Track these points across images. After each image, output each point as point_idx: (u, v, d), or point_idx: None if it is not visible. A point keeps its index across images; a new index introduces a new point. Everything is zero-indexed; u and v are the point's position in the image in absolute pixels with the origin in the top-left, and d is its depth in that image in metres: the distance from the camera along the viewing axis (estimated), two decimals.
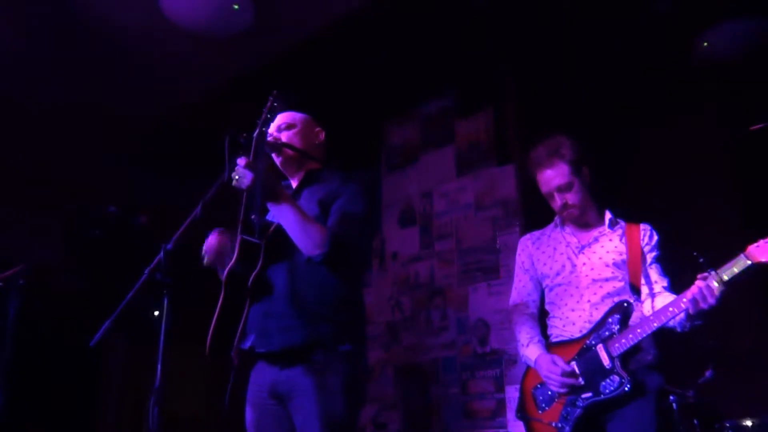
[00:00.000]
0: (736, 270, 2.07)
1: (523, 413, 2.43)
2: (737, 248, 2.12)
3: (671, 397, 3.20)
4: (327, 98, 4.15)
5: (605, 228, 2.49)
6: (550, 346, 2.45)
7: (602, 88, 4.35)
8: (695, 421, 3.22)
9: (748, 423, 3.11)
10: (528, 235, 2.72)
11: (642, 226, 2.46)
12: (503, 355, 4.23)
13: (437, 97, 5.15)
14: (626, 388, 2.17)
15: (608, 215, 2.51)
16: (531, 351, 2.43)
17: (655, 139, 4.46)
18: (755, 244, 2.07)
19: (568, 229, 2.56)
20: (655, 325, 2.18)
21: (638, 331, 2.20)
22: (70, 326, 5.85)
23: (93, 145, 5.50)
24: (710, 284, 2.08)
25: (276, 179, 2.16)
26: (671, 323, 2.24)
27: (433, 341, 4.65)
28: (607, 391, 2.20)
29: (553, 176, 2.45)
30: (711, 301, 2.06)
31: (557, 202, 2.49)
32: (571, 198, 2.46)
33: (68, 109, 5.08)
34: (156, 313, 4.65)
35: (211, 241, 2.25)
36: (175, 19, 4.08)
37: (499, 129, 4.72)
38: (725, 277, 2.08)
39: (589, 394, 2.24)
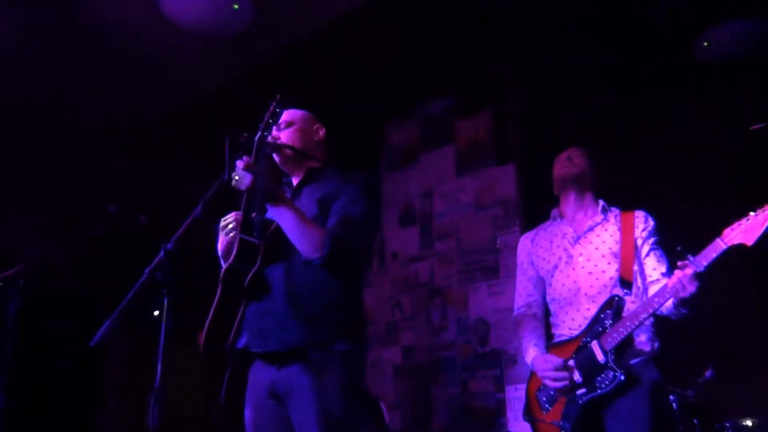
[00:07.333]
0: (713, 255, 2.06)
1: (529, 415, 2.47)
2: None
3: (671, 397, 3.20)
4: (327, 98, 4.15)
5: (599, 216, 2.51)
6: (550, 346, 2.47)
7: (602, 87, 4.35)
8: (695, 421, 3.22)
9: (748, 423, 3.11)
10: (527, 234, 2.75)
11: (636, 213, 2.46)
12: (503, 355, 4.23)
13: (437, 97, 5.15)
14: (620, 379, 2.18)
15: (601, 203, 2.54)
16: (529, 354, 2.48)
17: (654, 139, 4.46)
18: (730, 227, 2.07)
19: (564, 221, 2.58)
20: (643, 316, 2.18)
21: (627, 323, 2.20)
22: (70, 326, 5.85)
23: (93, 144, 5.50)
24: (687, 272, 2.06)
25: (275, 181, 2.16)
26: (664, 311, 2.25)
27: (433, 341, 4.65)
28: (603, 385, 2.22)
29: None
30: (690, 289, 2.05)
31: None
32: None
33: (68, 108, 5.08)
34: (156, 312, 4.65)
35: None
36: (175, 19, 4.08)
37: (499, 129, 4.72)
38: (704, 263, 2.06)
39: (585, 390, 2.27)
